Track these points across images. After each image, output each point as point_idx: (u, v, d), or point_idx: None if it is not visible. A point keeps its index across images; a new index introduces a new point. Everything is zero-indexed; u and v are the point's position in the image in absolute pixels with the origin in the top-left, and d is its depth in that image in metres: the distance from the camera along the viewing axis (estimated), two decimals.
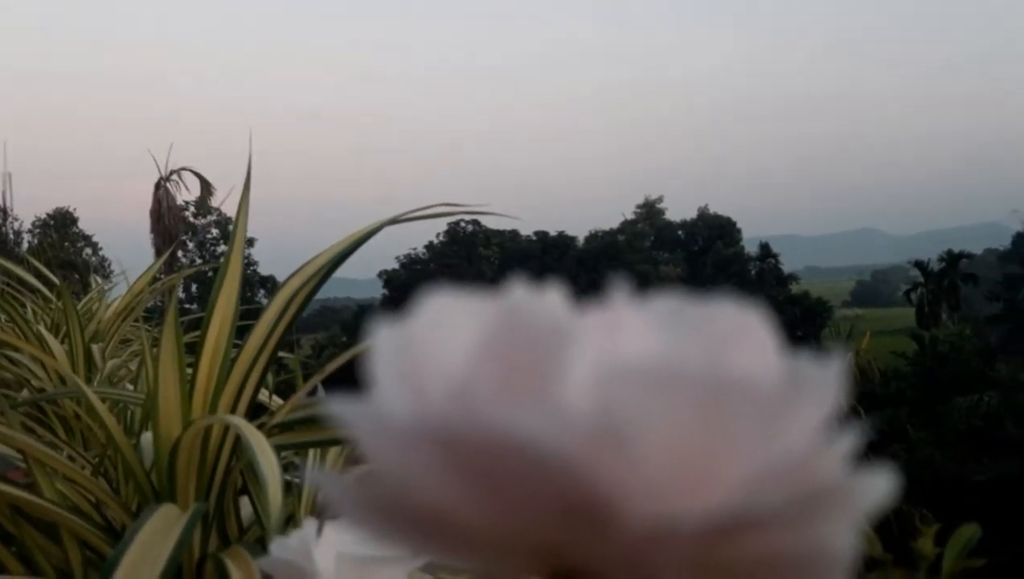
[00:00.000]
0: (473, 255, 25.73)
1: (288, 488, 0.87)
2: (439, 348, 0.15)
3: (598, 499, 0.14)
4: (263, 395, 1.42)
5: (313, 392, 1.22)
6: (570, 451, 0.14)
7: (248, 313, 1.43)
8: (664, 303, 0.16)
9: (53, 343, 2.05)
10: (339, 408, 0.15)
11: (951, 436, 17.96)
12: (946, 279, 27.59)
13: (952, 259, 27.90)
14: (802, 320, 26.87)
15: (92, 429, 1.73)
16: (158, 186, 15.99)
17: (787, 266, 30.25)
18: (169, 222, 15.58)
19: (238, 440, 1.07)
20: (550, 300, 0.16)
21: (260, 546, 1.03)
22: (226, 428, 1.06)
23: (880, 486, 0.14)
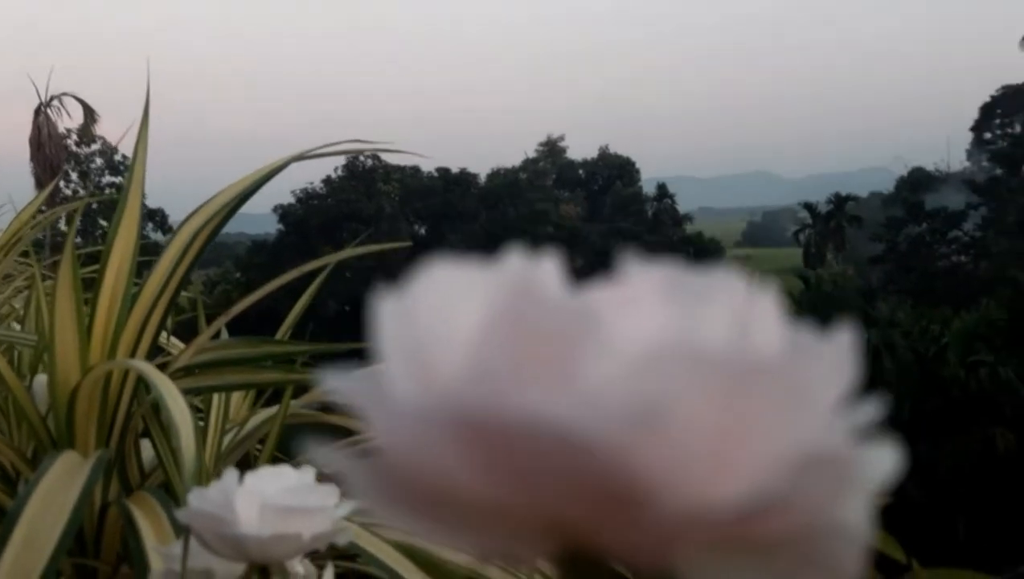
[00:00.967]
0: (373, 191, 25.33)
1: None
2: (447, 327, 0.15)
3: (631, 485, 0.14)
4: (161, 338, 1.37)
5: (216, 335, 1.18)
6: (606, 437, 0.13)
7: (143, 249, 1.37)
8: (665, 274, 0.15)
9: None
10: (346, 387, 0.14)
11: None
12: (833, 221, 28.68)
13: (839, 201, 28.97)
14: (695, 259, 27.52)
15: None
16: (38, 112, 15.14)
17: (682, 207, 30.86)
18: (50, 151, 14.81)
19: (139, 383, 1.04)
20: (551, 272, 0.15)
21: (165, 491, 1.01)
22: (126, 371, 1.03)
23: (887, 461, 0.14)
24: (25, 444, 1.13)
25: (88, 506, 0.92)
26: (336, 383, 0.14)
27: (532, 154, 32.55)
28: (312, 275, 1.34)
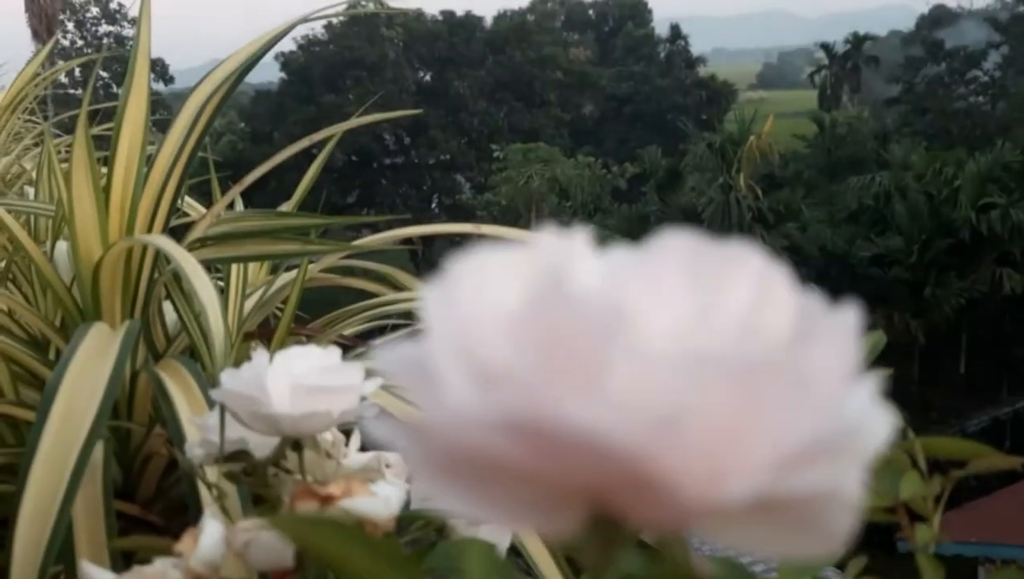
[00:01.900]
0: (375, 36, 24.61)
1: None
2: (485, 315, 0.16)
3: (654, 479, 0.15)
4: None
5: (232, 205, 1.20)
6: (632, 441, 0.15)
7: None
8: (688, 250, 0.16)
9: None
10: (395, 368, 0.15)
11: (842, 215, 18.83)
12: (849, 61, 27.90)
13: (856, 41, 28.08)
14: (707, 103, 27.03)
15: None
16: None
17: (696, 48, 29.98)
18: (45, 0, 14.37)
19: (159, 253, 1.06)
20: (582, 252, 0.16)
21: (191, 356, 1.05)
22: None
23: (883, 428, 0.16)
24: (52, 312, 1.17)
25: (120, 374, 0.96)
26: (387, 362, 0.16)
27: None
28: (316, 123, 1.34)
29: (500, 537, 0.50)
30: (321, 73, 23.85)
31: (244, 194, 1.32)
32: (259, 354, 0.54)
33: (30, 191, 1.97)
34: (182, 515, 1.07)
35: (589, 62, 27.12)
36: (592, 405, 0.15)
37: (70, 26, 24.74)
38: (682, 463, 0.15)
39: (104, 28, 26.09)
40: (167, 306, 1.21)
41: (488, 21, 26.39)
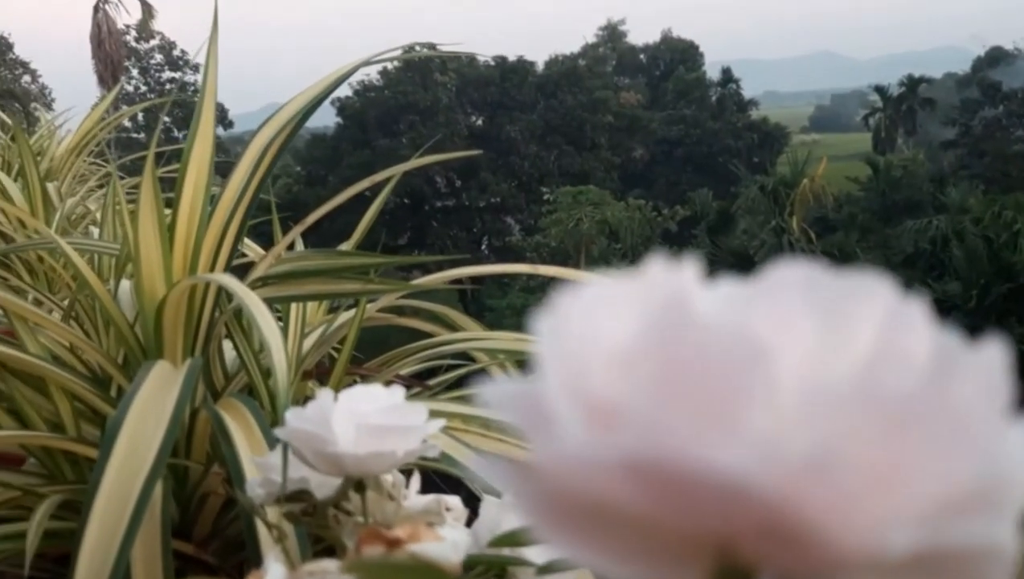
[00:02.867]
0: (429, 82, 25.01)
1: None
2: (599, 356, 0.15)
3: (799, 527, 0.14)
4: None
5: (291, 246, 1.21)
6: (776, 486, 0.14)
7: None
8: (807, 280, 0.15)
9: (8, 183, 1.99)
10: (505, 406, 0.15)
11: (898, 259, 18.52)
12: (904, 104, 27.60)
13: (912, 84, 27.80)
14: (759, 146, 26.89)
15: (56, 271, 1.71)
16: (97, 9, 15.19)
17: (747, 91, 29.92)
18: (111, 47, 14.90)
19: (222, 291, 1.07)
20: (694, 283, 0.16)
21: (249, 394, 1.05)
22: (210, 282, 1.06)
23: None
24: (114, 349, 1.18)
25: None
26: (495, 399, 0.15)
27: (591, 39, 31.71)
28: (370, 167, 1.36)
29: None
30: (376, 117, 24.26)
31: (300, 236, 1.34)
32: (324, 393, 0.54)
33: (94, 231, 2.02)
34: (236, 554, 1.07)
35: (640, 105, 27.19)
36: (729, 444, 0.14)
37: (134, 72, 25.58)
38: (832, 508, 0.14)
39: (167, 74, 26.91)
40: (226, 345, 1.22)
41: (540, 66, 26.66)
